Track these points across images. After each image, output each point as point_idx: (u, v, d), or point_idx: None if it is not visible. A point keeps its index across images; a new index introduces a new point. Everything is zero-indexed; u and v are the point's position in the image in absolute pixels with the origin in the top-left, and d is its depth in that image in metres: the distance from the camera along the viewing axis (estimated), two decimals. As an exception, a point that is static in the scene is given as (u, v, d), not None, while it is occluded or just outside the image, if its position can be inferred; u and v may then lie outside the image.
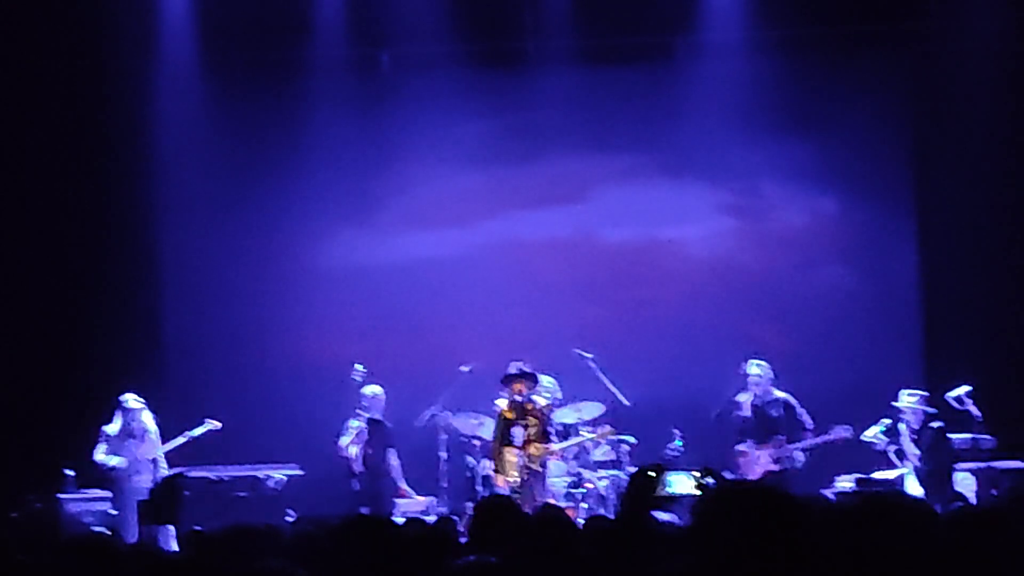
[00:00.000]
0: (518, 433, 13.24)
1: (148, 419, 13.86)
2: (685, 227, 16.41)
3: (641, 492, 6.71)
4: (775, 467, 13.67)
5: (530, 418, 13.31)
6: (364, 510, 12.80)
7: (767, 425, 13.81)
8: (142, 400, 13.84)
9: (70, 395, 15.00)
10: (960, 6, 15.72)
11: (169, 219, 16.12)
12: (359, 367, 14.18)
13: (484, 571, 4.26)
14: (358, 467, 13.97)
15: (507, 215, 16.44)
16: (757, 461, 13.73)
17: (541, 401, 13.47)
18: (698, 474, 6.68)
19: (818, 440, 13.68)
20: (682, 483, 12.92)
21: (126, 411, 13.81)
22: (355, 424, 14.08)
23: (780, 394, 13.94)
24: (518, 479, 13.13)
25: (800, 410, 13.82)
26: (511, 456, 13.21)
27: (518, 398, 13.32)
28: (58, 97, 15.28)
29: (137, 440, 13.71)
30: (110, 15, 15.48)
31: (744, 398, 13.96)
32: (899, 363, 15.33)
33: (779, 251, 16.32)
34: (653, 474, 7.28)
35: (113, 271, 15.65)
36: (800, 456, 13.80)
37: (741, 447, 13.82)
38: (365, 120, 16.31)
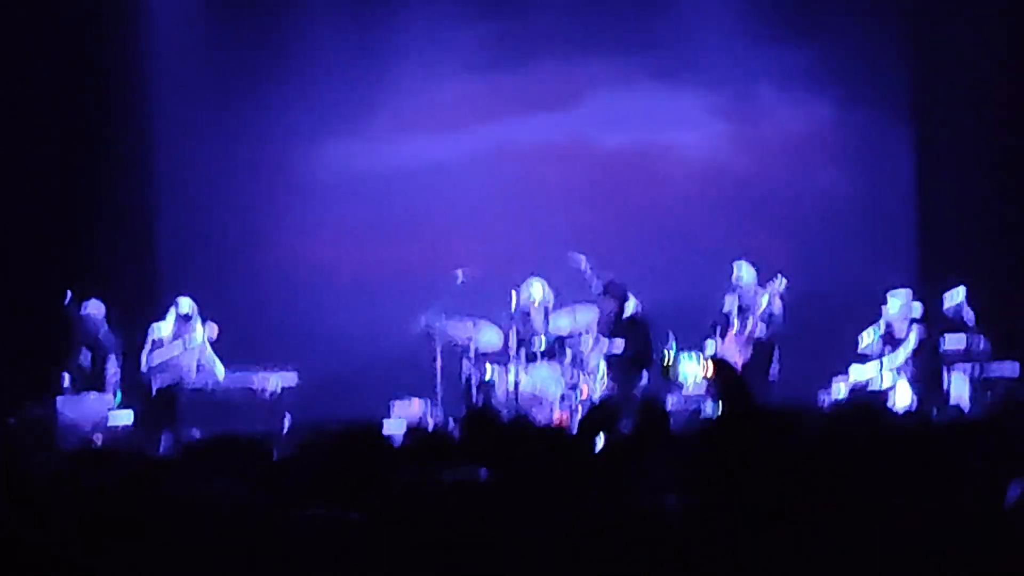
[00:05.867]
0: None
1: (197, 327, 13.95)
2: (679, 132, 16.32)
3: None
4: (749, 349, 13.89)
5: None
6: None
7: (747, 319, 14.01)
8: (195, 306, 13.94)
9: (64, 298, 15.01)
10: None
11: (162, 126, 16.04)
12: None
13: (470, 492, 4.25)
14: None
15: (501, 121, 16.33)
16: (730, 346, 13.91)
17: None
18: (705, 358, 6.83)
19: None
20: (691, 366, 13.22)
21: (179, 316, 13.91)
22: None
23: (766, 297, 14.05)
24: None
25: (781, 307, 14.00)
26: None
27: None
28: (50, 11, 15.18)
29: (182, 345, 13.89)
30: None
31: (730, 300, 14.11)
32: (894, 266, 15.34)
33: (774, 156, 16.25)
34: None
35: (108, 179, 15.62)
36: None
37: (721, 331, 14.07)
38: (356, 26, 16.16)
